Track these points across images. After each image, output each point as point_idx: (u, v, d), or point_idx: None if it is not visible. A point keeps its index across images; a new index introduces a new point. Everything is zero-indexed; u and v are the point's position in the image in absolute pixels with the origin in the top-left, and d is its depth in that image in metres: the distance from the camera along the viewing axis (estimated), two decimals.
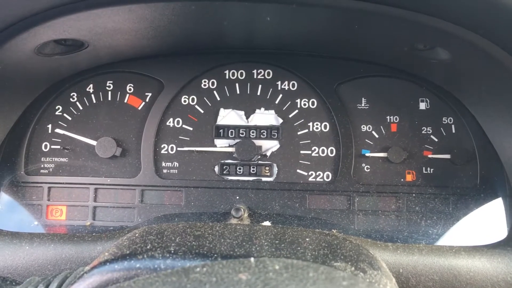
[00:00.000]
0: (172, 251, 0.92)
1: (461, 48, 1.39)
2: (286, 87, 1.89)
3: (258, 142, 1.85)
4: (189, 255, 0.90)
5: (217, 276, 0.67)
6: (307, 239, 1.04)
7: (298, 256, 0.92)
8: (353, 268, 0.90)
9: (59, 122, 1.89)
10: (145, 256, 0.91)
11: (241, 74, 1.90)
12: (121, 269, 0.88)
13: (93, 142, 1.85)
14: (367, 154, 1.85)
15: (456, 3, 1.15)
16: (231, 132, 1.87)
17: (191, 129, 1.89)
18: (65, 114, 1.89)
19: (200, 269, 0.70)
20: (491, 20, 1.17)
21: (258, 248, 0.95)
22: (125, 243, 1.01)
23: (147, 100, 1.89)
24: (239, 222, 1.69)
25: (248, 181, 1.85)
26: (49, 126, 1.88)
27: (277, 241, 1.01)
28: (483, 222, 1.74)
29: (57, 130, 1.88)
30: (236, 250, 0.93)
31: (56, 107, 1.89)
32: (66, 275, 1.04)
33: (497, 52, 1.28)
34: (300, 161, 1.86)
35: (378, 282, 0.89)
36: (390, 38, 1.54)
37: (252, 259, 0.74)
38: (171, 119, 1.89)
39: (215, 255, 0.90)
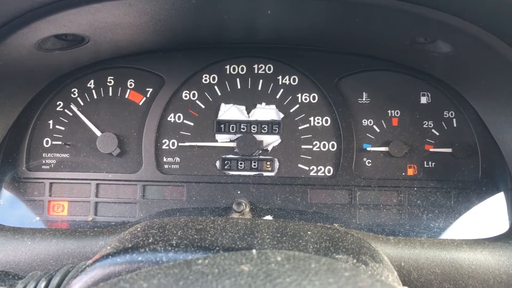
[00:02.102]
0: (174, 244, 0.92)
1: (462, 41, 1.39)
2: (287, 82, 1.89)
3: (259, 137, 1.85)
4: (191, 248, 0.90)
5: (219, 267, 0.67)
6: (309, 232, 1.04)
7: (300, 248, 0.92)
8: (355, 260, 0.90)
9: (60, 118, 1.89)
10: (147, 249, 0.91)
11: (242, 69, 1.90)
12: (123, 262, 0.88)
13: (98, 133, 1.85)
14: (368, 149, 1.85)
15: None
16: (232, 127, 1.87)
17: (192, 124, 1.88)
18: (66, 110, 1.89)
19: (202, 261, 0.70)
20: (492, 13, 1.17)
21: (259, 241, 0.95)
22: (127, 237, 1.01)
23: (148, 95, 1.89)
24: (240, 216, 1.69)
25: (249, 176, 1.85)
26: (50, 122, 1.88)
27: (278, 235, 1.01)
28: (484, 215, 1.74)
29: (72, 106, 1.88)
30: (238, 243, 0.93)
31: (57, 103, 1.89)
32: (68, 269, 1.04)
33: (498, 44, 1.28)
34: (301, 156, 1.86)
35: (380, 274, 0.89)
36: (391, 32, 1.53)
37: (254, 251, 0.74)
38: (172, 114, 1.89)
39: (217, 247, 0.90)
